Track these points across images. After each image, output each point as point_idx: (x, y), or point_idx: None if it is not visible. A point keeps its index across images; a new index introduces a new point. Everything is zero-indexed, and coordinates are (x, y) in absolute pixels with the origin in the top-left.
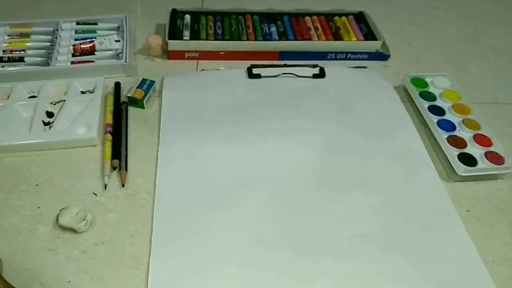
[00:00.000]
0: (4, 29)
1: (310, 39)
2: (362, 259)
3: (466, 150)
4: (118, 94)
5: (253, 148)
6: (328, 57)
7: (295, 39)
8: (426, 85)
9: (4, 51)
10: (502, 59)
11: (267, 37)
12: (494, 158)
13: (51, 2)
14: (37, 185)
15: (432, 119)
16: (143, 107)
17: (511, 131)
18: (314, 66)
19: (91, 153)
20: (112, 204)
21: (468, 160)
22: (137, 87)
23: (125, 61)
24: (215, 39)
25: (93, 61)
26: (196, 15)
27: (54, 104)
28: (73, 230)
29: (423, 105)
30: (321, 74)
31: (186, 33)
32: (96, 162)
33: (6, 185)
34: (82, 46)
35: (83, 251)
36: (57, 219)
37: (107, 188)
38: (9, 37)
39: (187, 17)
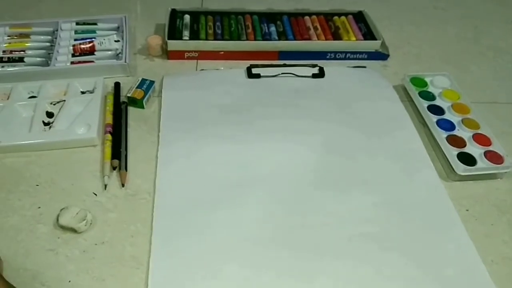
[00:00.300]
0: (3, 29)
1: (309, 39)
2: (362, 259)
3: (466, 150)
4: (117, 94)
5: (253, 148)
6: (328, 56)
7: (295, 39)
8: (426, 84)
9: (4, 51)
10: (502, 59)
11: (266, 37)
12: (494, 157)
13: (50, 2)
14: (37, 185)
15: (432, 118)
16: (142, 107)
17: (511, 131)
18: (314, 65)
19: (91, 153)
20: (112, 204)
21: (467, 159)
22: (136, 87)
23: (125, 61)
24: (215, 39)
25: (92, 61)
26: (195, 15)
27: (54, 104)
28: (73, 230)
29: (423, 104)
30: (321, 73)
31: (186, 33)
32: (96, 162)
33: (6, 185)
34: (82, 46)
35: (83, 251)
36: (57, 219)
37: (107, 188)
38: (9, 38)
39: (187, 17)
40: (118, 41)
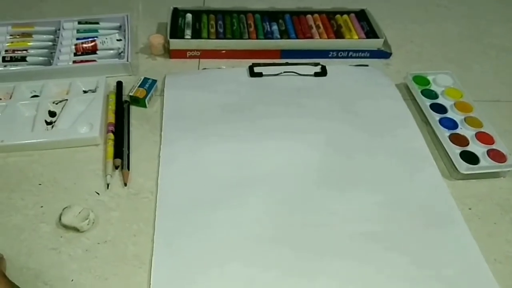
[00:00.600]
0: (6, 28)
1: (311, 37)
2: (364, 257)
3: (468, 148)
4: (120, 93)
5: (255, 147)
6: (330, 55)
7: (297, 38)
8: (428, 83)
9: (6, 50)
10: (505, 57)
11: (268, 35)
12: (497, 156)
13: (53, 1)
14: (40, 184)
15: (434, 117)
16: (145, 106)
17: None
18: (316, 64)
19: (93, 152)
20: (114, 203)
21: (470, 158)
22: (139, 86)
23: (127, 60)
24: (217, 38)
25: (95, 60)
26: (197, 14)
27: (56, 104)
28: (76, 229)
29: (425, 103)
30: (323, 72)
31: (188, 32)
32: (98, 161)
33: (9, 184)
34: (84, 45)
35: (86, 250)
36: (60, 218)
37: (109, 187)
38: (11, 37)
39: (189, 16)
40: (120, 40)
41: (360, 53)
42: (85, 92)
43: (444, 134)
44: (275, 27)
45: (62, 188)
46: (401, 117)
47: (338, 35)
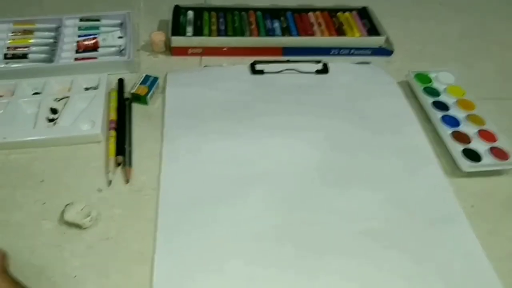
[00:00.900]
0: (7, 26)
1: (313, 35)
2: (366, 255)
3: (471, 146)
4: (121, 90)
5: (257, 144)
6: (331, 53)
7: (298, 35)
8: (430, 80)
9: (8, 48)
10: (507, 55)
11: (270, 33)
12: (499, 153)
13: None
14: (42, 181)
15: (436, 114)
16: (146, 103)
17: None
18: (318, 62)
19: (95, 150)
20: (116, 200)
21: (472, 155)
22: (140, 84)
23: (128, 58)
24: (218, 35)
25: (96, 58)
26: (199, 11)
27: (58, 101)
28: (78, 226)
29: (427, 100)
30: (324, 70)
31: (189, 29)
32: (101, 158)
33: (11, 181)
34: (86, 42)
35: (88, 246)
36: (62, 215)
37: (111, 184)
38: (12, 34)
39: (190, 13)
40: (122, 37)
41: (361, 51)
42: (86, 89)
43: (446, 131)
44: (276, 24)
45: (64, 185)
46: (402, 115)
47: (340, 32)
